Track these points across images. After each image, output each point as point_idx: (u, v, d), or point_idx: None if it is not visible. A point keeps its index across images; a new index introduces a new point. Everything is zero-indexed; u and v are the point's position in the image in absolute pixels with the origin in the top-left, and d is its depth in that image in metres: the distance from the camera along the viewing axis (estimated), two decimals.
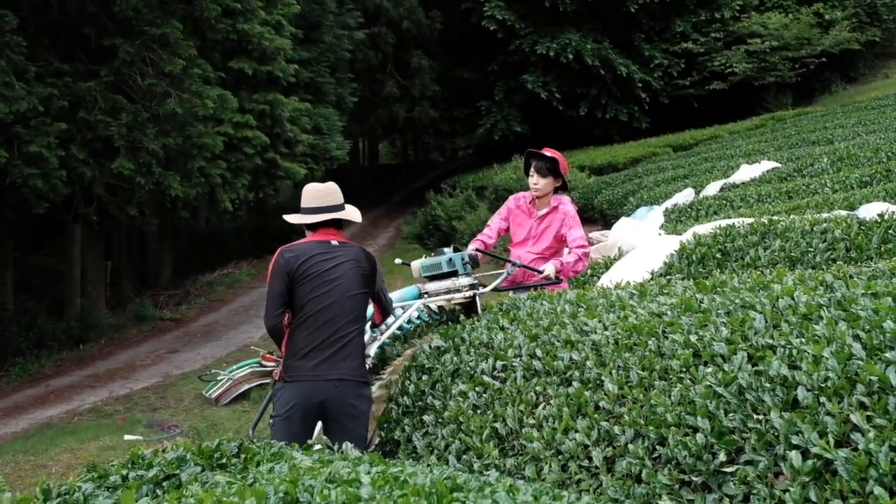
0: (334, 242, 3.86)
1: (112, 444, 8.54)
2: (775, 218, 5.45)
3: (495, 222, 5.38)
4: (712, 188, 11.34)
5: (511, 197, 5.41)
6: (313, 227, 3.94)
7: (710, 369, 2.44)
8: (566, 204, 5.15)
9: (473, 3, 27.02)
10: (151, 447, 2.77)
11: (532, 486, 2.20)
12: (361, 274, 3.83)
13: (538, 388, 2.89)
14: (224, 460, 2.61)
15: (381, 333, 4.33)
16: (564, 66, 26.08)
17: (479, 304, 4.57)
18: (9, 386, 12.68)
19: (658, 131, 25.07)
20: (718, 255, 5.08)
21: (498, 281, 4.96)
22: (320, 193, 3.95)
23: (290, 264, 3.74)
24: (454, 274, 4.56)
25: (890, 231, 4.63)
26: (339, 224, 3.98)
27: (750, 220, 5.54)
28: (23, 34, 11.63)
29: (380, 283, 4.00)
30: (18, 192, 12.44)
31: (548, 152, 5.19)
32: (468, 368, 3.31)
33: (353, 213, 4.02)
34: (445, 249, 4.71)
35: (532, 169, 5.18)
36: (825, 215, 5.44)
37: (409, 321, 4.57)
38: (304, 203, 3.96)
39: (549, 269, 4.83)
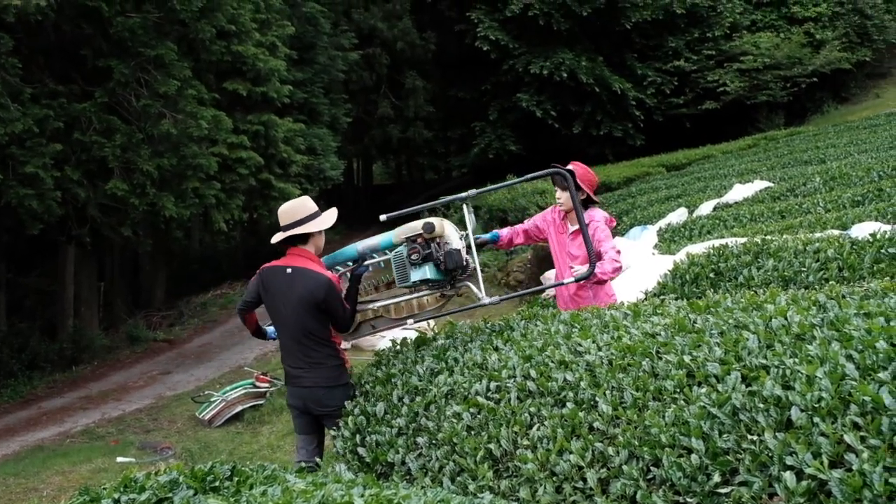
0: (288, 270, 4.09)
1: (104, 466, 8.48)
2: (768, 237, 5.46)
3: (528, 223, 5.30)
4: (706, 208, 11.36)
5: (549, 209, 5.34)
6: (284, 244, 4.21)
7: (703, 390, 2.44)
8: (598, 220, 5.00)
9: (467, 24, 27.17)
10: (144, 470, 2.75)
11: None
12: (307, 302, 4.04)
13: (532, 409, 2.88)
14: (217, 483, 2.60)
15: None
16: (558, 84, 26.21)
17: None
18: (0, 408, 12.59)
19: (651, 151, 25.17)
20: (712, 275, 5.09)
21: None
22: (285, 213, 4.16)
23: (259, 287, 4.22)
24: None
25: (882, 250, 4.64)
26: (304, 239, 4.15)
27: (743, 240, 5.56)
28: (18, 56, 11.66)
29: (334, 304, 4.09)
30: (13, 212, 12.42)
31: (571, 165, 5.13)
32: (462, 389, 3.30)
33: (315, 224, 4.13)
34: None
35: (555, 184, 5.17)
36: (818, 235, 5.46)
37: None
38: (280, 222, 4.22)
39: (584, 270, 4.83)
